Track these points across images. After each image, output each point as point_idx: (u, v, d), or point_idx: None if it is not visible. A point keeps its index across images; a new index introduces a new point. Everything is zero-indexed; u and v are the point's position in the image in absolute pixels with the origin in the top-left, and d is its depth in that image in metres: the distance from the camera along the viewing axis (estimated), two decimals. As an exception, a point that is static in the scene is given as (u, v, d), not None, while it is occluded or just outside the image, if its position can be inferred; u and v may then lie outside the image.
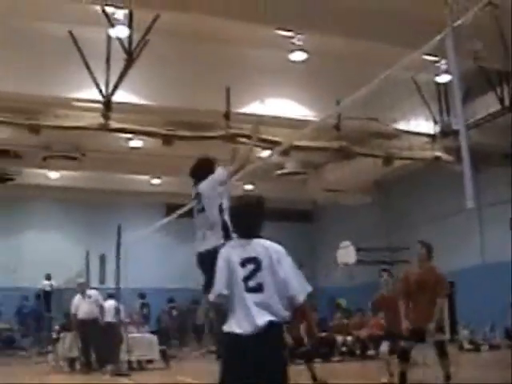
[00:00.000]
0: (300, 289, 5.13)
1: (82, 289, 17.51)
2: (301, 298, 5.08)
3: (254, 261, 5.13)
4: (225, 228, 8.18)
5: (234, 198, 5.82)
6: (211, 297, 5.19)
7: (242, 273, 5.12)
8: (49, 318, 25.10)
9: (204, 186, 8.91)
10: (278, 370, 5.02)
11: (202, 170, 9.31)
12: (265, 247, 5.21)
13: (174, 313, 26.89)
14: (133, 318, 20.51)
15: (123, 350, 16.69)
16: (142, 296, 24.03)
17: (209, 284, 5.75)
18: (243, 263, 5.14)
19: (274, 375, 4.99)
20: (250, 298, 5.05)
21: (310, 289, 5.19)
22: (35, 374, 17.59)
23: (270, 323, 4.97)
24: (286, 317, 5.07)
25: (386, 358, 12.52)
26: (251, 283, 5.07)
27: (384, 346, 12.47)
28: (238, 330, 5.05)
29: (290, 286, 5.07)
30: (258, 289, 5.06)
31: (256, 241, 5.24)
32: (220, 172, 9.07)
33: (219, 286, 5.14)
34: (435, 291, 10.08)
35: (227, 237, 7.77)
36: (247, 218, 5.41)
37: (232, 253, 5.24)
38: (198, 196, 8.89)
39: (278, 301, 5.04)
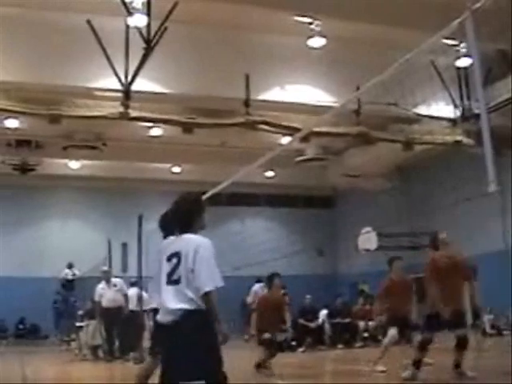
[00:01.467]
0: (206, 281, 5.20)
1: (107, 277, 17.53)
2: (206, 288, 5.16)
3: (177, 255, 5.38)
4: None
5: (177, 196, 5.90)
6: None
7: (167, 267, 5.41)
8: (72, 306, 25.22)
9: None
10: (193, 357, 5.13)
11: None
12: (187, 241, 5.45)
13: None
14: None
15: (146, 338, 16.78)
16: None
17: None
18: (169, 258, 5.43)
19: (189, 362, 5.13)
20: (168, 290, 5.31)
21: (220, 284, 5.26)
22: (59, 362, 17.74)
23: (184, 311, 5.17)
24: (201, 305, 5.19)
25: (388, 345, 12.49)
26: (173, 277, 5.33)
27: (393, 331, 12.41)
28: (159, 319, 5.39)
29: (197, 277, 5.21)
30: (177, 281, 5.30)
31: (184, 236, 5.50)
32: None
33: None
34: (463, 275, 10.02)
35: None
36: (181, 215, 5.67)
37: (164, 249, 5.61)
38: None
39: (194, 291, 5.21)
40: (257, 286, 22.84)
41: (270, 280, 13.30)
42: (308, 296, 22.72)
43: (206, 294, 5.16)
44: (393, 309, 12.67)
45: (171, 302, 5.24)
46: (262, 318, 13.02)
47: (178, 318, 5.15)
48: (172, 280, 5.31)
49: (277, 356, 12.60)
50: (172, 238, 5.67)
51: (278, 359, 12.77)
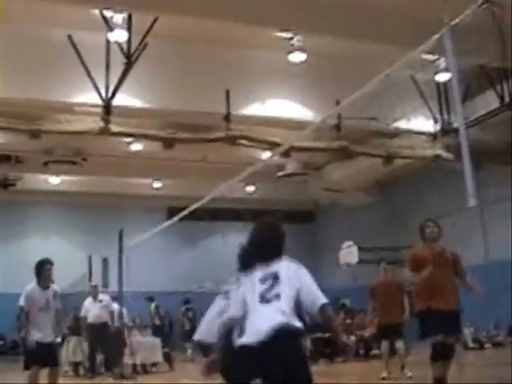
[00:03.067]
0: (320, 295, 5.20)
1: (94, 292, 17.38)
2: (323, 300, 5.14)
3: (273, 275, 5.22)
4: None
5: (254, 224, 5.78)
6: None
7: (259, 288, 5.21)
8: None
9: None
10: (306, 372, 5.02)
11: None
12: (284, 263, 5.32)
13: (191, 315, 26.82)
14: (135, 322, 20.50)
15: (127, 354, 16.71)
16: (151, 299, 23.73)
17: None
18: (264, 279, 5.23)
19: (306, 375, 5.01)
20: (264, 309, 5.12)
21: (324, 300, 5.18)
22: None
23: (282, 330, 4.97)
24: (301, 327, 5.08)
25: (386, 352, 12.59)
26: (268, 295, 5.15)
27: (385, 342, 12.50)
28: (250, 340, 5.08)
29: (310, 293, 5.19)
30: (275, 298, 5.13)
31: (277, 260, 5.35)
32: None
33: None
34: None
35: None
36: (270, 241, 5.50)
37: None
38: None
39: (293, 310, 5.09)
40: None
41: None
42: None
43: (324, 307, 5.14)
44: (381, 313, 12.80)
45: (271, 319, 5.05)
46: None
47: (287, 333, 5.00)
48: (267, 299, 5.15)
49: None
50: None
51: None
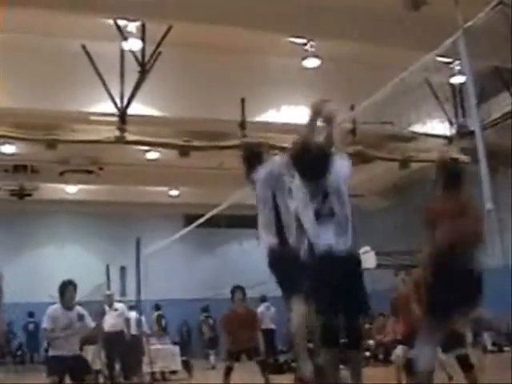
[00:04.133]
0: None
1: (109, 301, 17.42)
2: None
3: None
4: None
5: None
6: None
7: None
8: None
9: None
10: None
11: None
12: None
13: (211, 322, 26.83)
14: (154, 330, 20.51)
15: (145, 362, 16.70)
16: (158, 307, 23.78)
17: None
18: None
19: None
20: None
21: None
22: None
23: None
24: None
25: (399, 362, 12.44)
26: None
27: (399, 350, 12.37)
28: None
29: None
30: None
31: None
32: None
33: None
34: None
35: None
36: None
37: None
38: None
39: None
40: (262, 307, 22.74)
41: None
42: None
43: None
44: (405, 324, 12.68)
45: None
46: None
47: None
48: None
49: (278, 378, 12.50)
50: None
51: (280, 381, 12.69)
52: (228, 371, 12.01)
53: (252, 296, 22.10)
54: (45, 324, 10.76)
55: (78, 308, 10.97)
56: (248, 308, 13.36)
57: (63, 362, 10.40)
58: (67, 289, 10.80)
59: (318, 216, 5.70)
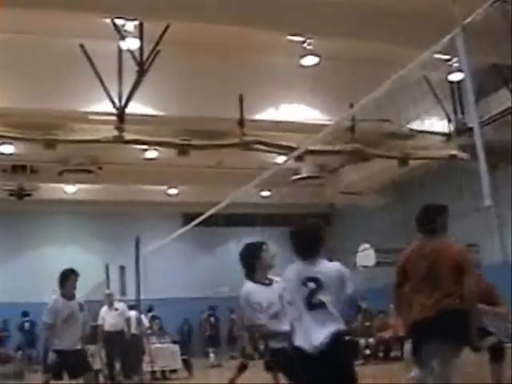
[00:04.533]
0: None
1: (109, 300, 17.40)
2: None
3: (316, 280, 5.42)
4: None
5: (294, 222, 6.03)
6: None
7: (303, 291, 5.42)
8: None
9: None
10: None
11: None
12: (327, 267, 5.61)
13: (213, 320, 26.81)
14: (154, 329, 20.49)
15: (146, 361, 16.70)
16: (150, 309, 23.57)
17: None
18: (304, 282, 5.43)
19: None
20: (311, 315, 5.33)
21: None
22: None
23: (334, 336, 5.21)
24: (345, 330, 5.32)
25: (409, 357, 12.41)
26: (314, 300, 5.36)
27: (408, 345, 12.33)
28: (303, 346, 5.30)
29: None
30: (320, 305, 5.34)
31: (319, 261, 5.63)
32: None
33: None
34: None
35: None
36: (308, 241, 5.77)
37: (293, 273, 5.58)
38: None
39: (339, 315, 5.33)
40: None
41: None
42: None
43: None
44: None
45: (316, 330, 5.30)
46: None
47: (325, 346, 5.21)
48: (313, 304, 5.37)
49: (279, 376, 12.42)
50: (299, 263, 5.70)
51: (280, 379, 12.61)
52: (243, 368, 12.04)
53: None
54: (45, 317, 10.41)
55: (78, 299, 10.76)
56: None
57: (62, 357, 10.16)
58: (69, 278, 10.52)
59: None
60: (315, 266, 5.53)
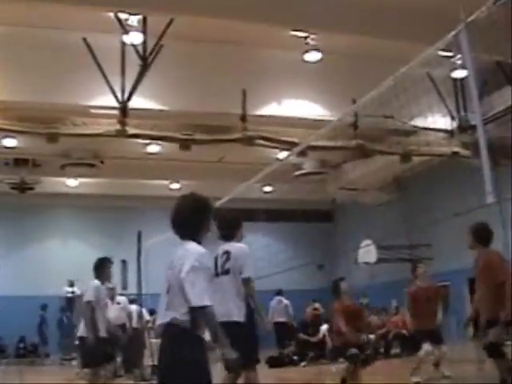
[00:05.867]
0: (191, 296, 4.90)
1: (111, 294, 17.40)
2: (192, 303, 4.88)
3: (171, 264, 5.18)
4: None
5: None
6: None
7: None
8: (72, 324, 25.11)
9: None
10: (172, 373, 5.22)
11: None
12: (181, 249, 5.19)
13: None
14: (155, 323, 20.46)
15: (147, 355, 16.71)
16: (152, 312, 23.34)
17: None
18: (169, 266, 5.21)
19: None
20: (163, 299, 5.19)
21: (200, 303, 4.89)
22: (60, 379, 17.67)
23: (168, 324, 5.06)
24: (185, 320, 4.96)
25: (426, 358, 12.43)
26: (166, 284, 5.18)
27: (427, 346, 12.30)
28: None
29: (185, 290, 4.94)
30: (167, 290, 5.14)
31: (184, 243, 5.25)
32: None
33: None
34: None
35: None
36: (181, 218, 5.41)
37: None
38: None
39: (182, 302, 4.95)
40: (274, 300, 22.81)
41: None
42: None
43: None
44: (418, 318, 12.69)
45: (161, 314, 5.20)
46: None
47: (163, 330, 5.19)
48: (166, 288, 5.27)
49: (279, 371, 12.50)
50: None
51: (281, 374, 12.71)
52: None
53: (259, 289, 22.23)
54: (90, 297, 10.62)
55: (111, 285, 11.16)
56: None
57: (105, 344, 10.45)
58: (106, 265, 11.09)
59: None
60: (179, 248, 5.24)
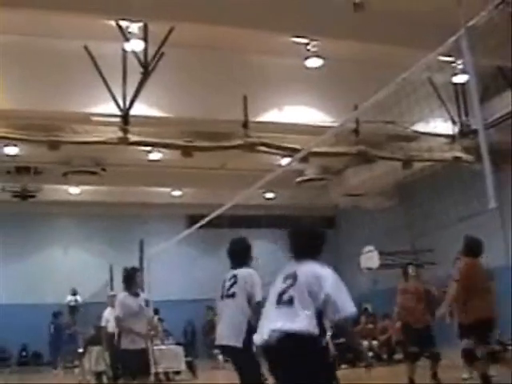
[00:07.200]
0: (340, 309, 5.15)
1: (113, 302, 17.38)
2: (336, 317, 5.12)
3: (293, 276, 5.33)
4: None
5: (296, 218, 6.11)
6: None
7: (279, 286, 5.38)
8: (75, 332, 25.09)
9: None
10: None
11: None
12: (307, 266, 5.44)
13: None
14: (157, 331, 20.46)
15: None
16: (156, 311, 23.48)
17: None
18: (285, 279, 5.39)
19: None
20: (278, 311, 5.22)
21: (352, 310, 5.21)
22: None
23: (287, 335, 5.01)
24: (314, 332, 5.05)
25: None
26: (284, 297, 5.24)
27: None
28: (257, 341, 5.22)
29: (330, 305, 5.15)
30: (288, 302, 5.17)
31: (304, 262, 5.49)
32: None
33: None
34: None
35: None
36: (301, 240, 5.78)
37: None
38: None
39: (310, 316, 5.07)
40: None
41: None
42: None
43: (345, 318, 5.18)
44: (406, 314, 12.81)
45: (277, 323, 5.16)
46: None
47: (278, 341, 5.07)
48: (283, 301, 5.28)
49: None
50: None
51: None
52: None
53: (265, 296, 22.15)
54: (117, 311, 10.72)
55: (143, 294, 11.10)
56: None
57: (133, 357, 10.45)
58: (135, 275, 10.97)
59: None
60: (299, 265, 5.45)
